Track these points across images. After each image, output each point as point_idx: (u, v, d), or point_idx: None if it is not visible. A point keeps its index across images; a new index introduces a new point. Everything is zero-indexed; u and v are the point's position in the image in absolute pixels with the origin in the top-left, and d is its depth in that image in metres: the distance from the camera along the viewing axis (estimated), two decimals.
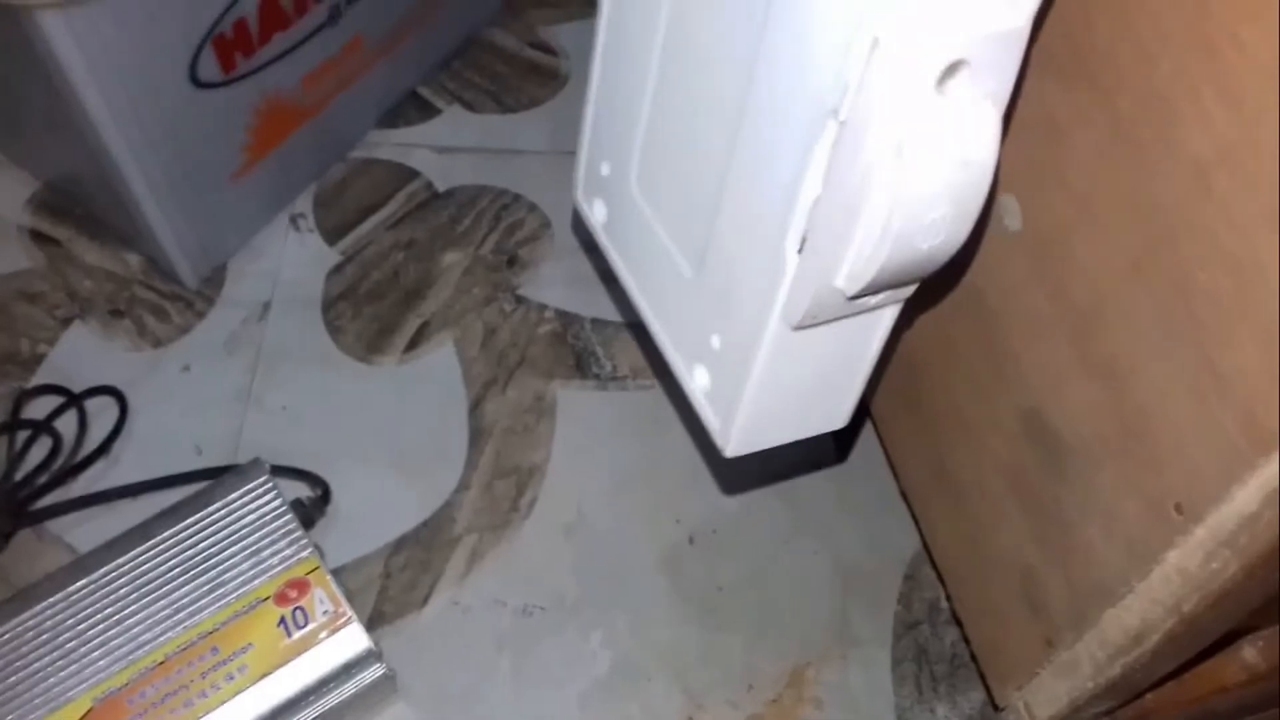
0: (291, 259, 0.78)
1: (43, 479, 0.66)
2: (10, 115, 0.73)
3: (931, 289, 0.55)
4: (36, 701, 0.54)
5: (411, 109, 0.87)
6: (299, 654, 0.56)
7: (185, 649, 0.56)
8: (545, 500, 0.69)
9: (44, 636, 0.56)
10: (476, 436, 0.71)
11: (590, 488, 0.70)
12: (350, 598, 0.59)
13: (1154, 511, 0.43)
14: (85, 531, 0.65)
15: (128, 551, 0.58)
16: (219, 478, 0.62)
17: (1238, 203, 0.37)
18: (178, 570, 0.58)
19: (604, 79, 0.55)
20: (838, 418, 0.53)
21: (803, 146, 0.40)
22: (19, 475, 0.66)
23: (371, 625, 0.64)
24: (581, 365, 0.75)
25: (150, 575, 0.58)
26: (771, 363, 0.47)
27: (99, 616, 0.57)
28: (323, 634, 0.57)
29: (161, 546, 0.59)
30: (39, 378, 0.71)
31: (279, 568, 0.58)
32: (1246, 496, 0.38)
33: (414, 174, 0.83)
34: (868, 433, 0.72)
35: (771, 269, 0.44)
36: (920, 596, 0.67)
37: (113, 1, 0.58)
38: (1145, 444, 0.43)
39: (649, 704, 0.63)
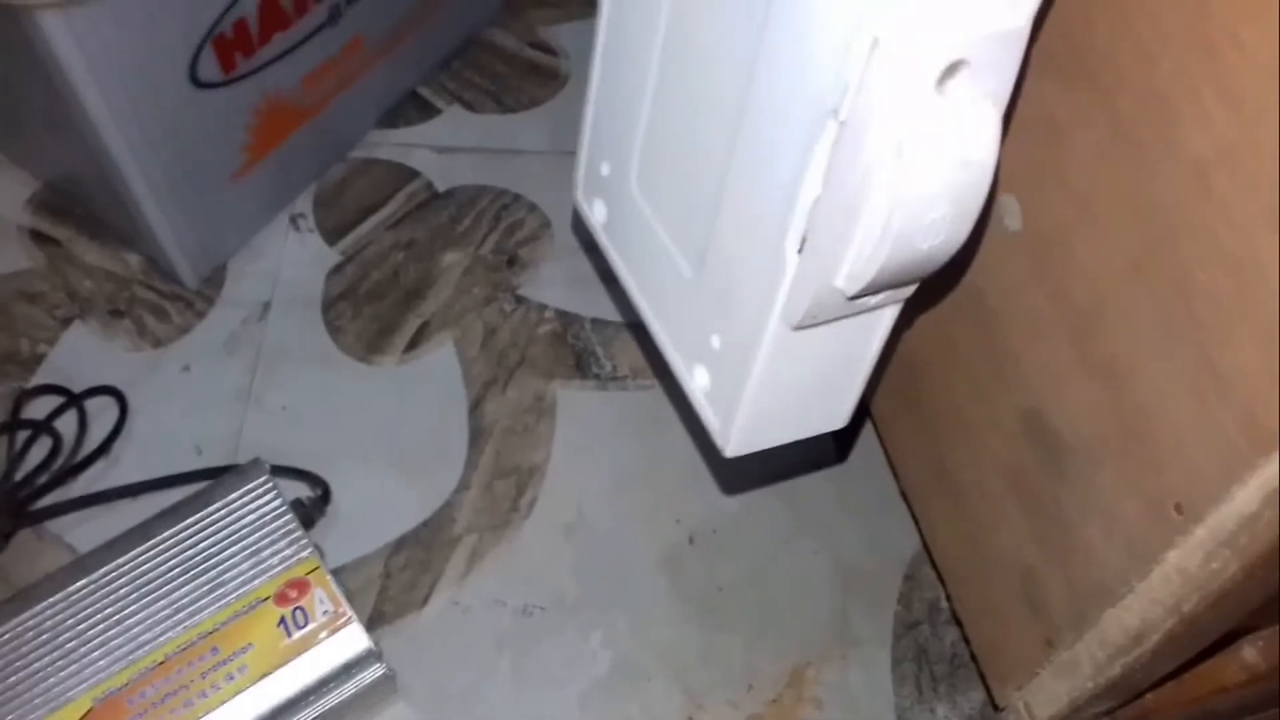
0: (291, 259, 0.78)
1: (43, 479, 0.66)
2: (10, 115, 0.73)
3: (932, 289, 0.55)
4: (36, 701, 0.54)
5: (411, 109, 0.87)
6: (299, 654, 0.56)
7: (185, 649, 0.56)
8: (545, 500, 0.69)
9: (44, 636, 0.56)
10: (476, 436, 0.71)
11: (590, 488, 0.70)
12: (350, 598, 0.59)
13: (1154, 511, 0.43)
14: (85, 531, 0.65)
15: (128, 551, 0.58)
16: (219, 478, 0.62)
17: (1238, 202, 0.36)
18: (178, 570, 0.58)
19: (604, 79, 0.55)
20: (838, 418, 0.53)
21: (803, 146, 0.40)
22: (19, 475, 0.66)
23: (371, 625, 0.64)
24: (581, 365, 0.75)
25: (150, 575, 0.58)
26: (771, 363, 0.47)
27: (99, 616, 0.57)
28: (323, 634, 0.57)
29: (161, 546, 0.59)
30: (39, 378, 0.71)
31: (279, 568, 0.58)
32: (1246, 496, 0.38)
33: (414, 174, 0.83)
34: (868, 433, 0.72)
35: (771, 269, 0.44)
36: (920, 596, 0.67)
37: (113, 1, 0.58)
38: (1145, 444, 0.43)
39: (649, 704, 0.63)
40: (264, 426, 0.71)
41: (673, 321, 0.54)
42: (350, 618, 0.57)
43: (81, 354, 0.73)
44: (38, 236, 0.78)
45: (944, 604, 0.66)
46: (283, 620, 0.57)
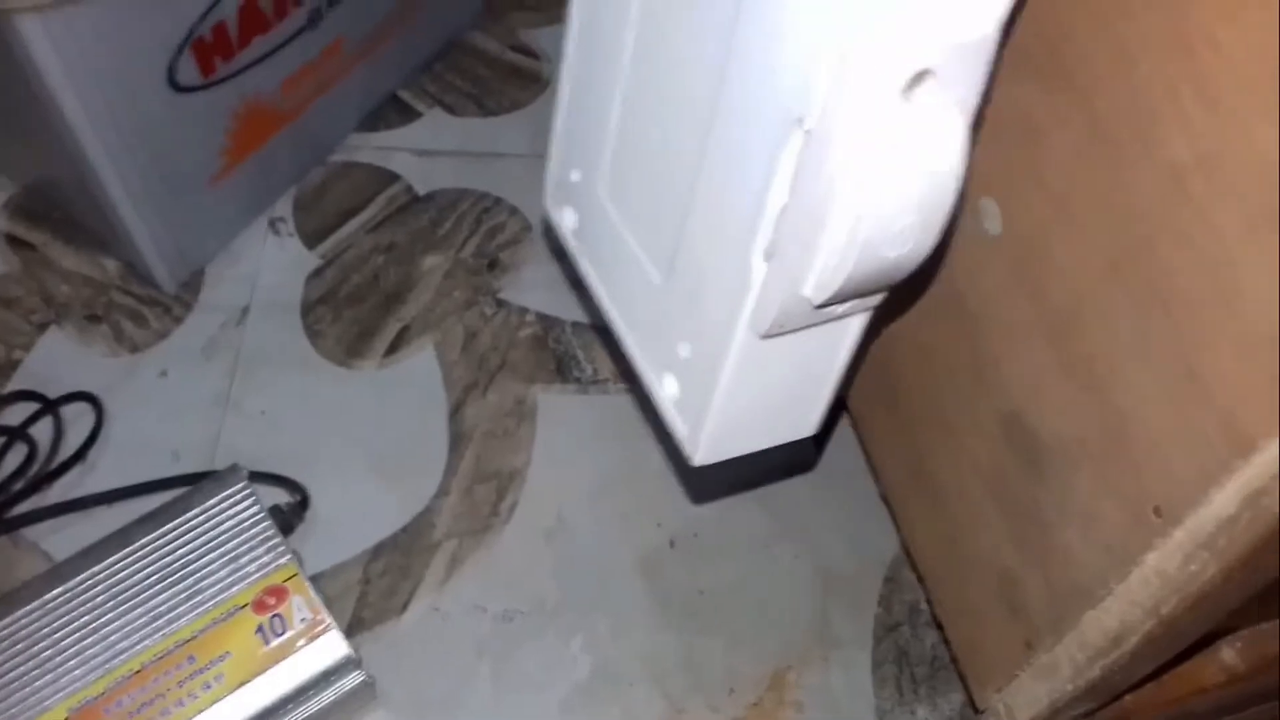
0: (271, 263, 0.78)
1: (18, 486, 0.66)
2: None
3: (912, 293, 0.55)
4: (12, 711, 0.54)
5: (392, 112, 0.87)
6: (277, 662, 0.56)
7: (162, 657, 0.56)
8: (525, 505, 0.69)
9: (19, 645, 0.56)
10: (457, 441, 0.71)
11: (571, 492, 0.70)
12: (329, 604, 0.58)
13: (1133, 514, 0.43)
14: (61, 539, 0.65)
15: (104, 559, 0.58)
16: (196, 484, 0.61)
17: (1215, 205, 0.37)
18: (155, 578, 0.58)
19: (574, 84, 0.55)
20: (806, 426, 0.53)
21: (772, 154, 0.40)
22: None
23: (350, 632, 0.63)
24: (562, 369, 0.75)
25: (127, 583, 0.57)
26: (739, 371, 0.47)
27: (75, 625, 0.56)
28: (301, 641, 0.56)
29: (138, 554, 0.58)
30: (14, 384, 0.71)
31: (257, 575, 0.58)
32: (1225, 499, 0.38)
33: (394, 177, 0.83)
34: (849, 437, 0.72)
35: (739, 277, 0.44)
36: (901, 599, 0.67)
37: (91, 6, 0.58)
38: (1124, 447, 0.43)
39: (630, 709, 0.63)
40: (242, 432, 0.70)
41: (642, 330, 0.54)
42: (329, 625, 0.57)
43: (57, 359, 0.72)
44: (13, 241, 0.77)
45: (924, 606, 0.66)
46: (260, 628, 0.57)
